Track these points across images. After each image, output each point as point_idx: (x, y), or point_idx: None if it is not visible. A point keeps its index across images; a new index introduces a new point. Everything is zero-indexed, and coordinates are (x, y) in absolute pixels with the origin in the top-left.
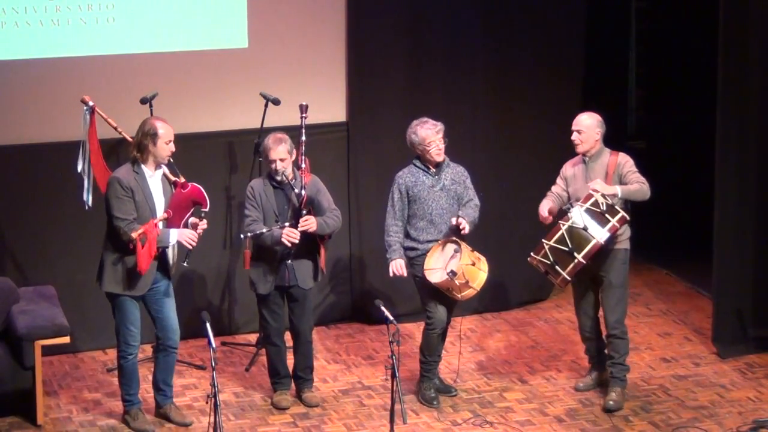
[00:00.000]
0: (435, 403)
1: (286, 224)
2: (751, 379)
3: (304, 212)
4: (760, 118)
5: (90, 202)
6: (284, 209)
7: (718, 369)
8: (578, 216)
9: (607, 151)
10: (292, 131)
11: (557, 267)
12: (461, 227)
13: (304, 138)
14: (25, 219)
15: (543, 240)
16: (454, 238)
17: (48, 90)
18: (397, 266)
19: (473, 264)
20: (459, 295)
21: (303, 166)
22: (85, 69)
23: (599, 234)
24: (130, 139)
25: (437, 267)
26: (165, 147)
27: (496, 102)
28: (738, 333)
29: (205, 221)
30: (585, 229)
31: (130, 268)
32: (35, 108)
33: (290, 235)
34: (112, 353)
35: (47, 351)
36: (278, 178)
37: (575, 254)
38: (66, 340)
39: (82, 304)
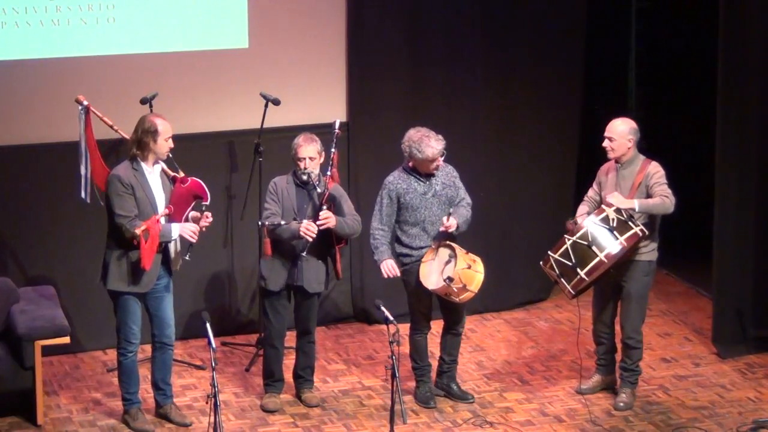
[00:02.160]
0: (432, 403)
1: (305, 220)
2: (751, 379)
3: (324, 208)
4: (760, 118)
5: (88, 199)
6: (303, 208)
7: (718, 369)
8: (585, 231)
9: (641, 158)
10: (293, 131)
11: (562, 279)
12: (449, 229)
13: (334, 150)
14: (25, 219)
15: (549, 252)
16: (447, 242)
17: (48, 90)
18: (388, 266)
19: (469, 267)
20: (457, 299)
21: (329, 173)
22: (86, 69)
23: (605, 251)
24: (127, 137)
25: (433, 273)
26: (164, 144)
27: (496, 102)
28: (738, 333)
29: (208, 214)
30: (589, 245)
31: (134, 265)
32: (35, 108)
33: (308, 229)
34: (112, 353)
35: (47, 351)
36: (304, 177)
37: (578, 270)
38: (66, 340)
39: (82, 304)
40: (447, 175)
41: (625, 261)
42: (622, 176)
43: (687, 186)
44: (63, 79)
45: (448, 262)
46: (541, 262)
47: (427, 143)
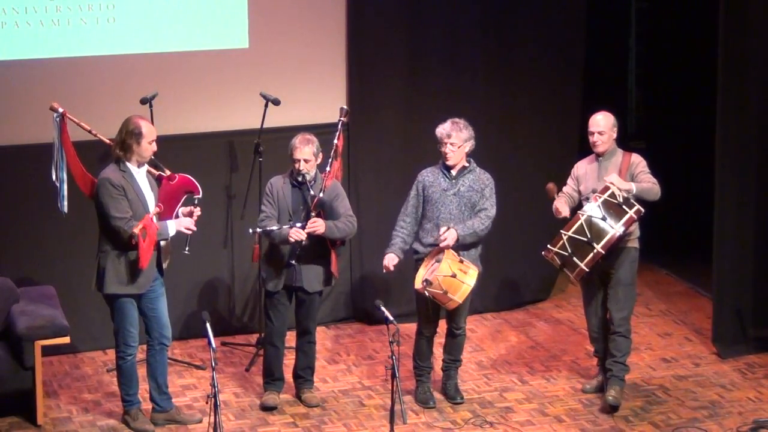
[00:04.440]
0: (431, 403)
1: (297, 224)
2: (751, 379)
3: (314, 214)
4: (760, 118)
5: (66, 209)
6: (299, 209)
7: (718, 369)
8: (597, 206)
9: (620, 150)
10: (293, 131)
11: (575, 258)
12: (441, 242)
13: (336, 141)
14: (25, 219)
15: (561, 231)
16: (444, 247)
17: (48, 90)
18: (387, 260)
19: (453, 275)
20: (442, 304)
21: (328, 169)
22: (86, 69)
23: (617, 225)
24: (106, 141)
25: (423, 275)
26: (148, 147)
27: (497, 102)
28: (738, 333)
29: (199, 208)
30: (604, 219)
31: (131, 266)
32: (35, 108)
33: (296, 235)
34: (112, 353)
35: (47, 351)
36: (299, 178)
37: (594, 244)
38: (66, 340)
39: (82, 304)
40: (478, 180)
41: (613, 249)
42: (604, 167)
43: (687, 186)
44: (63, 79)
45: (435, 267)
46: (548, 246)
47: (442, 124)
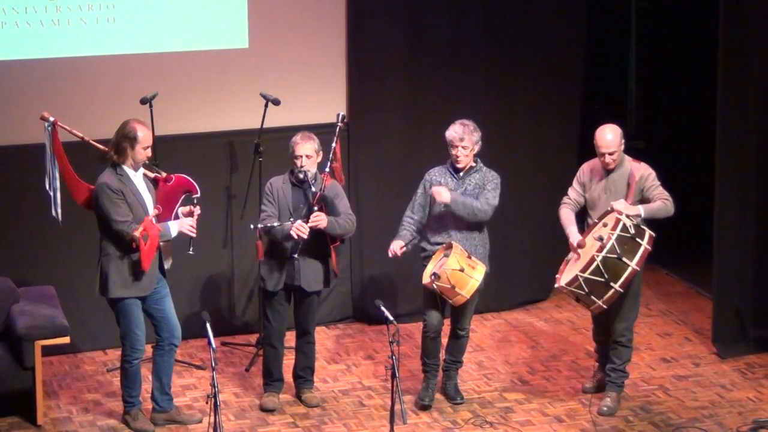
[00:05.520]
0: (426, 401)
1: (299, 220)
2: (751, 379)
3: (316, 208)
4: (760, 119)
5: (60, 217)
6: (300, 207)
7: (718, 369)
8: (611, 245)
9: (628, 159)
10: (293, 131)
11: (592, 297)
12: (434, 194)
13: (334, 144)
14: (25, 219)
15: (578, 273)
16: (452, 243)
17: (48, 90)
18: (393, 245)
19: (461, 270)
20: (449, 300)
21: (327, 170)
22: (85, 69)
23: (632, 262)
24: (100, 147)
25: (431, 270)
26: (142, 152)
27: (497, 102)
28: (738, 333)
29: (198, 207)
30: (619, 258)
31: (135, 269)
32: (35, 108)
33: (299, 229)
34: (112, 353)
35: (47, 351)
36: (300, 175)
37: (612, 284)
38: (66, 340)
39: (82, 304)
40: (484, 178)
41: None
42: (612, 179)
43: (687, 186)
44: (63, 79)
45: (443, 262)
46: (563, 284)
47: (452, 126)
